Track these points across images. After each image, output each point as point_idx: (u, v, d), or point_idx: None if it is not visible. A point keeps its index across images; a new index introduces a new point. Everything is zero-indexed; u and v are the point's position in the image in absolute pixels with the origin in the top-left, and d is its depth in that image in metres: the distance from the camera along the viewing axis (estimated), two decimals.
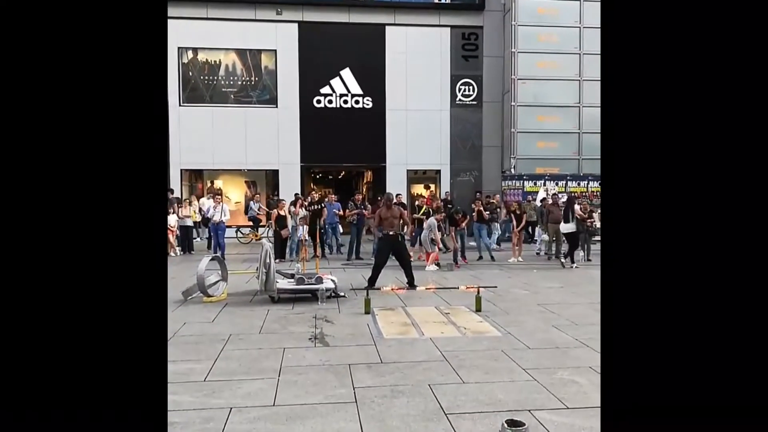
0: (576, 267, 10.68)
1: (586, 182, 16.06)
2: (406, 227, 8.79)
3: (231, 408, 3.59)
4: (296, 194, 13.65)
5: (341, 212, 12.98)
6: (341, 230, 13.33)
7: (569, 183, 15.97)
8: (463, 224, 11.50)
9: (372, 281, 8.15)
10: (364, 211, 12.70)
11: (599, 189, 15.70)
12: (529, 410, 3.54)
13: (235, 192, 18.27)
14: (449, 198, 16.03)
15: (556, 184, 15.75)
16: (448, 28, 17.86)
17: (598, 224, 12.90)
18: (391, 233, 8.36)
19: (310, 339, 5.34)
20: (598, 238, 13.14)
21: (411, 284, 8.19)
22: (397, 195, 14.33)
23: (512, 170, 16.76)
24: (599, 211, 13.08)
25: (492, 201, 13.80)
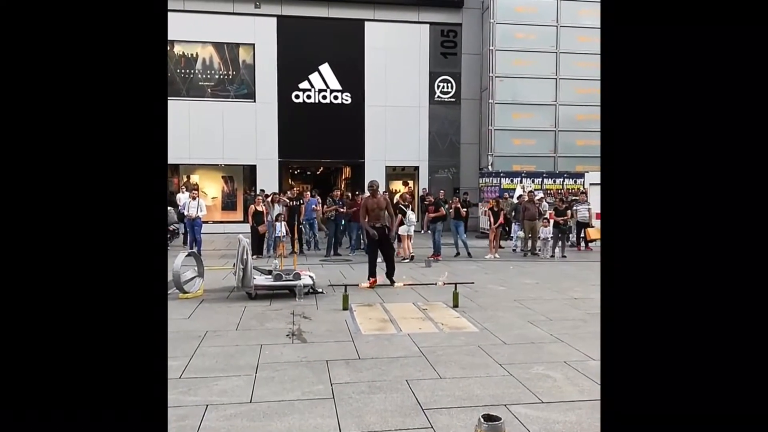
0: None
1: (561, 179, 16.28)
2: (390, 219, 8.48)
3: (207, 405, 3.57)
4: (273, 192, 13.56)
5: (318, 207, 12.93)
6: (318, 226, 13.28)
7: (545, 180, 16.16)
8: (431, 215, 11.55)
9: (372, 273, 8.09)
10: (341, 209, 12.67)
11: (574, 186, 15.94)
12: (505, 405, 3.59)
13: (211, 187, 18.07)
14: (426, 194, 16.07)
15: (533, 181, 15.94)
16: (427, 25, 17.91)
17: (570, 222, 13.09)
18: (377, 225, 8.14)
19: (287, 335, 5.32)
20: (573, 235, 13.36)
21: (389, 278, 8.11)
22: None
23: (489, 167, 16.90)
24: (574, 208, 13.27)
25: (429, 197, 13.05)
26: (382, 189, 14.52)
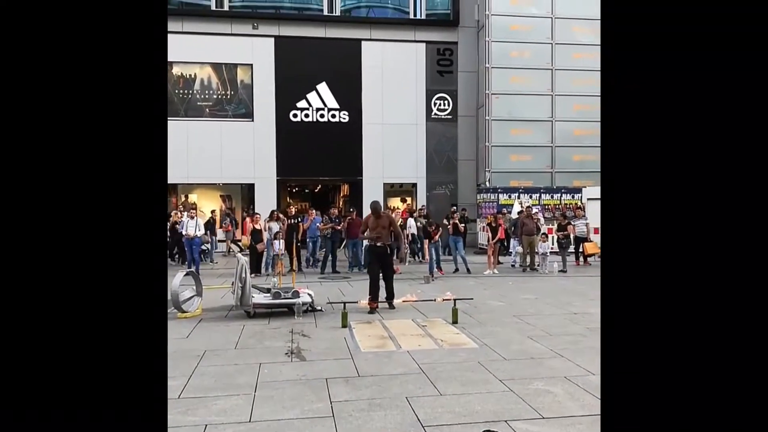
0: None
1: (559, 195, 16.34)
2: (397, 239, 8.04)
3: (206, 425, 3.54)
4: (272, 210, 13.64)
5: (321, 226, 12.98)
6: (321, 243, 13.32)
7: (543, 196, 16.22)
8: (437, 237, 11.58)
9: (374, 296, 7.62)
10: (337, 226, 12.71)
11: (572, 202, 15.99)
12: (506, 421, 3.57)
13: (209, 206, 18.09)
14: (424, 212, 16.09)
15: (530, 197, 15.99)
16: (424, 44, 18.12)
17: (571, 236, 13.10)
18: (379, 245, 7.84)
19: (286, 354, 5.30)
20: (572, 249, 13.36)
21: (389, 301, 7.71)
22: None
23: (487, 183, 16.96)
24: (573, 224, 13.30)
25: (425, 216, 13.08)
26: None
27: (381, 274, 7.84)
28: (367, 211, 14.28)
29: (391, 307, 7.66)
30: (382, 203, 17.70)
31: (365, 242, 8.77)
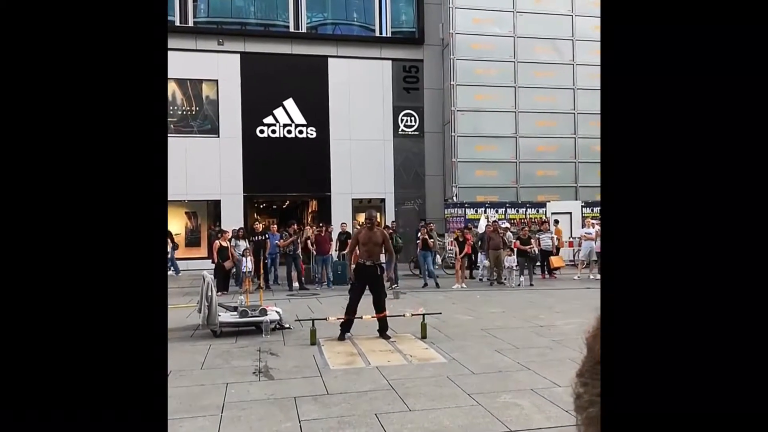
0: None
1: (524, 209, 16.65)
2: (389, 256, 7.05)
3: None
4: (241, 228, 13.54)
5: (281, 243, 12.85)
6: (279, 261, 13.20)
7: (508, 210, 16.51)
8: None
9: (345, 326, 6.81)
10: (299, 240, 12.64)
11: (537, 216, 16.32)
12: None
13: (174, 223, 17.76)
14: (394, 228, 16.13)
15: (496, 211, 16.25)
16: (390, 61, 18.33)
17: (536, 250, 13.34)
18: (368, 264, 6.83)
19: (254, 373, 5.23)
20: (539, 263, 13.59)
21: (383, 330, 6.87)
22: (342, 224, 14.36)
23: (454, 198, 17.17)
24: (537, 237, 13.55)
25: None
26: (349, 222, 13.96)
27: (372, 297, 6.91)
28: (336, 225, 14.31)
29: (386, 337, 6.74)
30: (350, 219, 17.50)
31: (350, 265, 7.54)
